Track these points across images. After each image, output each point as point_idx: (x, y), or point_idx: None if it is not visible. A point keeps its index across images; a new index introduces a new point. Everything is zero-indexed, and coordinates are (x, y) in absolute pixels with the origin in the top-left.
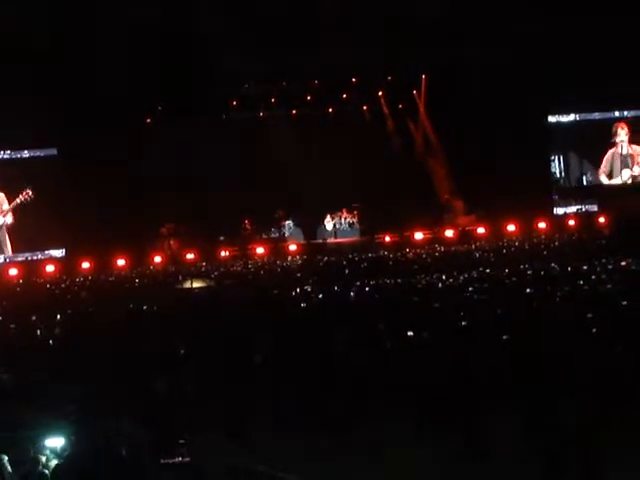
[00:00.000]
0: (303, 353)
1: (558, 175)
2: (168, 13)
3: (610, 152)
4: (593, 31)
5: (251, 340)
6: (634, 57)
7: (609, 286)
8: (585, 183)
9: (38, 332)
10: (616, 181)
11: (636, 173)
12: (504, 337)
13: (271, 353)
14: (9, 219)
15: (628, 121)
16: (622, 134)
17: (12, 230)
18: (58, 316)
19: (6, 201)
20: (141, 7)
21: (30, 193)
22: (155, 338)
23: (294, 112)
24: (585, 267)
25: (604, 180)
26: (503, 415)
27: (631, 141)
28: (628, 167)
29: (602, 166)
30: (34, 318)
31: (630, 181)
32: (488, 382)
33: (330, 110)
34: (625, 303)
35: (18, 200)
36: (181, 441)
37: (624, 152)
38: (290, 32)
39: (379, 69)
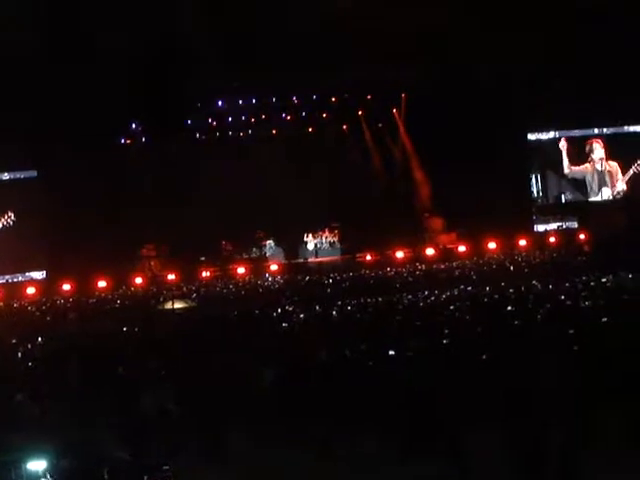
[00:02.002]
0: (285, 372)
1: (538, 192)
2: (147, 30)
3: (583, 167)
4: (573, 48)
5: (234, 361)
6: (613, 74)
7: (588, 303)
8: (565, 200)
9: (19, 354)
10: (596, 199)
11: (619, 189)
12: (484, 356)
13: (254, 373)
14: None
15: (607, 137)
16: (598, 150)
17: None
18: (39, 338)
19: None
20: (119, 28)
21: (12, 216)
22: (135, 360)
23: (274, 132)
24: (566, 284)
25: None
26: (486, 434)
27: (608, 157)
28: (607, 185)
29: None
30: (14, 341)
31: (611, 198)
32: (471, 400)
33: (310, 130)
34: (605, 320)
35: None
36: (165, 467)
37: (600, 169)
38: (270, 51)
39: (359, 88)
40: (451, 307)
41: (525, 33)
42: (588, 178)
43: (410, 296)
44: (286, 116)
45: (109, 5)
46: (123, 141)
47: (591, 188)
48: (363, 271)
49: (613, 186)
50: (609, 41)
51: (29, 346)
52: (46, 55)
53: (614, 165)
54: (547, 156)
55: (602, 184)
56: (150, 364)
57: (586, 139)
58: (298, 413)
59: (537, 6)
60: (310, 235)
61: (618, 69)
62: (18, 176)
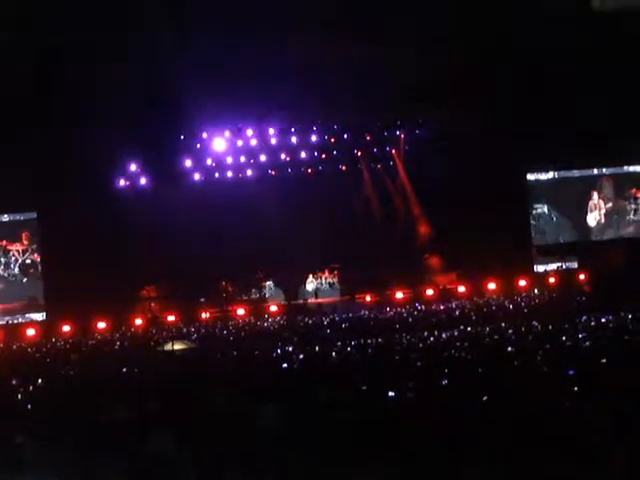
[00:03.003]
0: (285, 413)
1: (538, 232)
2: (145, 70)
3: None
4: (573, 89)
5: (234, 403)
6: (612, 115)
7: (588, 343)
8: (564, 240)
9: (19, 396)
10: (598, 238)
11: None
12: (484, 398)
13: (254, 412)
14: None
15: (605, 178)
16: (607, 190)
17: None
18: (39, 380)
19: None
20: (118, 68)
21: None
22: (135, 401)
23: (273, 173)
24: (566, 325)
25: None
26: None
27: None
28: (612, 227)
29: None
30: (14, 382)
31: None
32: (470, 443)
33: (309, 170)
34: (604, 361)
35: None
36: None
37: (609, 208)
38: (266, 92)
39: (357, 128)
40: (451, 347)
41: (524, 75)
42: (591, 218)
43: (409, 336)
44: (285, 157)
45: (106, 45)
46: (121, 183)
47: (594, 228)
48: (362, 312)
49: (620, 228)
50: (610, 81)
51: (30, 388)
52: (49, 97)
53: (624, 205)
54: (546, 196)
55: (608, 225)
56: (150, 406)
57: (586, 179)
58: (299, 452)
59: (536, 49)
60: (311, 276)
61: (617, 109)
62: (18, 218)
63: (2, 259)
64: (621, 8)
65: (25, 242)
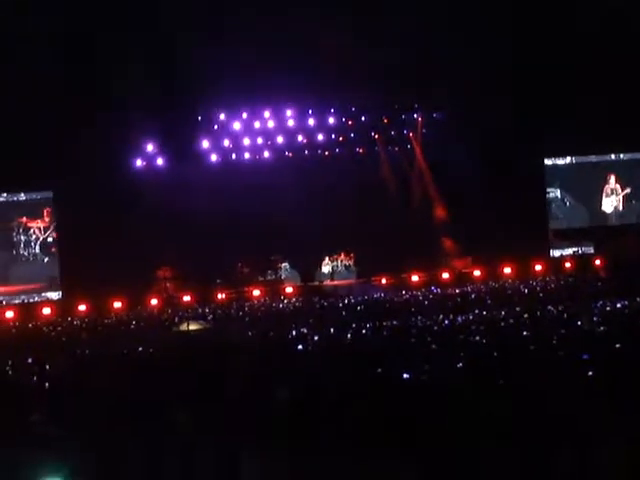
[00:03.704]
0: (301, 393)
1: (551, 218)
2: (163, 51)
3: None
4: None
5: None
6: (630, 100)
7: (603, 328)
8: (578, 225)
9: (34, 375)
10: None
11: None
12: (500, 381)
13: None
14: None
15: (623, 163)
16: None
17: None
18: (55, 358)
19: None
20: (134, 48)
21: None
22: (150, 385)
23: (289, 154)
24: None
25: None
26: (501, 462)
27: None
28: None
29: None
30: (30, 360)
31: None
32: (486, 427)
33: (326, 153)
34: (618, 346)
35: None
36: None
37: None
38: (283, 73)
39: (375, 111)
40: (467, 331)
41: (543, 59)
42: (607, 203)
43: (425, 319)
44: (302, 139)
45: (124, 26)
46: (138, 163)
47: (611, 214)
48: (378, 294)
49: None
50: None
51: (46, 366)
52: (61, 78)
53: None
54: (560, 181)
55: (626, 210)
56: (165, 386)
57: (603, 165)
58: (315, 435)
59: (553, 33)
60: (326, 258)
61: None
62: (35, 197)
63: (22, 237)
64: None
65: (47, 219)
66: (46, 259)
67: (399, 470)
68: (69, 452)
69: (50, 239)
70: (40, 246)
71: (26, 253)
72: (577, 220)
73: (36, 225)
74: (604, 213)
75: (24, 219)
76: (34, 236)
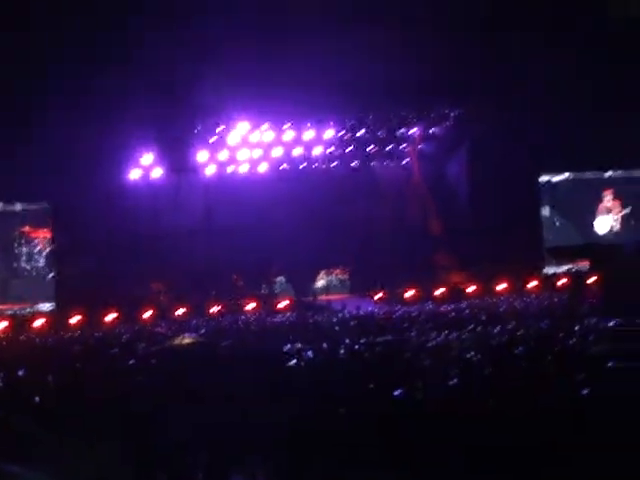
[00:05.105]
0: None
1: (549, 234)
2: (160, 62)
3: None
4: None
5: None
6: (627, 118)
7: (597, 347)
8: (576, 242)
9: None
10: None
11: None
12: (492, 399)
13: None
14: None
15: (619, 180)
16: (607, 198)
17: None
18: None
19: None
20: (132, 60)
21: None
22: (146, 392)
23: (286, 168)
24: (576, 327)
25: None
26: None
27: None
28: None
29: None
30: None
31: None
32: (477, 445)
33: (323, 167)
34: (610, 365)
35: None
36: None
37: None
38: (281, 86)
39: (372, 125)
40: (460, 347)
41: (540, 76)
42: (601, 222)
43: (419, 335)
44: (299, 152)
45: (121, 36)
46: (135, 175)
47: (607, 234)
48: (372, 309)
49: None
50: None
51: (36, 378)
52: (56, 89)
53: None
54: (559, 198)
55: (624, 230)
56: (161, 398)
57: (598, 182)
58: (307, 449)
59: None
60: (321, 272)
61: (630, 113)
62: (31, 207)
63: (24, 249)
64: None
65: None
66: (50, 275)
67: None
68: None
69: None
70: (45, 258)
71: (28, 267)
72: (567, 241)
73: (42, 235)
74: (598, 233)
75: (27, 228)
76: (38, 247)
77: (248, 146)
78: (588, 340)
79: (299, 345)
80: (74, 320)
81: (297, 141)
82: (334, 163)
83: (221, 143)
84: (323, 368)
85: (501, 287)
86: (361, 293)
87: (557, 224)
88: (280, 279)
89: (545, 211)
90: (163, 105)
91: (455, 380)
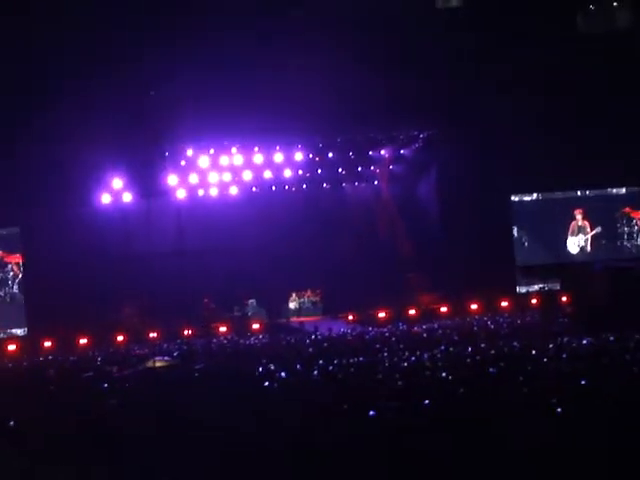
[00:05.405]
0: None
1: (520, 253)
2: (129, 86)
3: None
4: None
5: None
6: (596, 138)
7: (568, 365)
8: (547, 261)
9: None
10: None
11: (582, 243)
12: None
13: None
14: None
15: (588, 199)
16: (578, 216)
17: None
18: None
19: None
20: (103, 84)
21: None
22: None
23: (256, 190)
24: (549, 346)
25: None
26: None
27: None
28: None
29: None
30: None
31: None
32: (451, 463)
33: (293, 189)
34: (584, 383)
35: None
36: None
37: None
38: (251, 109)
39: (342, 147)
40: (433, 367)
41: (509, 97)
42: (573, 242)
43: (391, 356)
44: (269, 175)
45: (91, 60)
46: (105, 199)
47: (577, 254)
48: (344, 331)
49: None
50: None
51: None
52: (25, 114)
53: (614, 227)
54: (530, 218)
55: (595, 250)
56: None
57: (569, 202)
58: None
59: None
60: (293, 294)
61: (599, 133)
62: (1, 232)
63: None
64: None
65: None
66: (23, 300)
67: None
68: None
69: None
70: (18, 284)
71: (1, 292)
72: (538, 261)
73: (14, 261)
74: (569, 253)
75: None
76: (11, 273)
77: (218, 169)
78: (561, 358)
79: (272, 367)
80: (47, 344)
81: (267, 164)
82: (304, 185)
83: (191, 167)
84: (297, 389)
85: (473, 307)
86: (333, 315)
87: (528, 244)
88: (252, 301)
89: (516, 231)
90: (132, 130)
91: (427, 401)
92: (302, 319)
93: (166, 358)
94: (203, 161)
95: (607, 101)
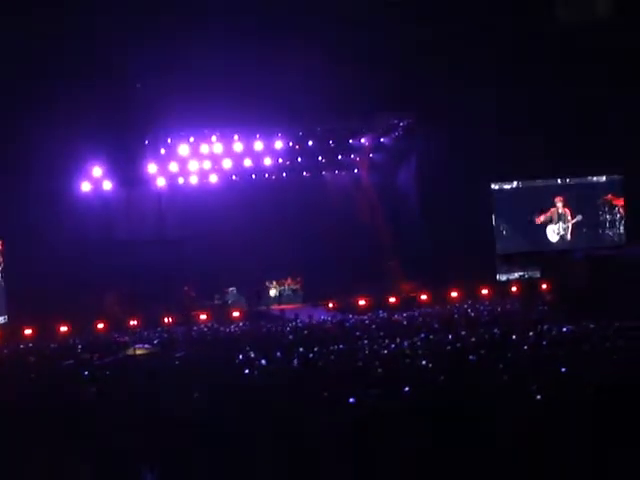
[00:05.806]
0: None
1: (500, 241)
2: (111, 72)
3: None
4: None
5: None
6: (577, 127)
7: (548, 352)
8: (527, 249)
9: None
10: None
11: (562, 231)
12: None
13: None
14: None
15: (569, 187)
16: (559, 204)
17: None
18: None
19: None
20: (84, 71)
21: None
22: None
23: (236, 179)
24: (530, 333)
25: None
26: None
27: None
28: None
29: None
30: None
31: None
32: (432, 453)
33: (273, 177)
34: (564, 370)
35: None
36: None
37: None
38: (231, 97)
39: (322, 135)
40: (412, 354)
41: (491, 84)
42: (552, 230)
43: (371, 344)
44: (249, 163)
45: (69, 49)
46: (85, 187)
47: (557, 243)
48: (325, 318)
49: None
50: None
51: None
52: (5, 99)
53: (596, 215)
54: (510, 206)
55: (575, 239)
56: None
57: (549, 190)
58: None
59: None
60: (274, 282)
61: (581, 122)
62: None
63: None
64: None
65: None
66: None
67: None
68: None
69: None
70: (1, 274)
71: None
72: (518, 249)
73: None
74: (549, 242)
75: None
76: None
77: (198, 158)
78: (541, 346)
79: (252, 354)
80: (28, 332)
81: (247, 152)
82: (284, 174)
83: (171, 155)
84: (277, 377)
85: (453, 295)
86: (314, 302)
87: (508, 232)
88: (232, 289)
89: (496, 219)
90: (112, 118)
91: (407, 388)
92: (282, 307)
93: (146, 346)
94: (183, 149)
95: (588, 89)
